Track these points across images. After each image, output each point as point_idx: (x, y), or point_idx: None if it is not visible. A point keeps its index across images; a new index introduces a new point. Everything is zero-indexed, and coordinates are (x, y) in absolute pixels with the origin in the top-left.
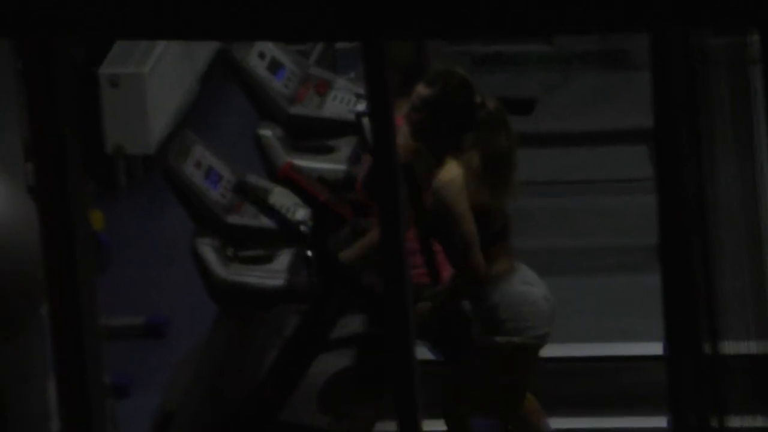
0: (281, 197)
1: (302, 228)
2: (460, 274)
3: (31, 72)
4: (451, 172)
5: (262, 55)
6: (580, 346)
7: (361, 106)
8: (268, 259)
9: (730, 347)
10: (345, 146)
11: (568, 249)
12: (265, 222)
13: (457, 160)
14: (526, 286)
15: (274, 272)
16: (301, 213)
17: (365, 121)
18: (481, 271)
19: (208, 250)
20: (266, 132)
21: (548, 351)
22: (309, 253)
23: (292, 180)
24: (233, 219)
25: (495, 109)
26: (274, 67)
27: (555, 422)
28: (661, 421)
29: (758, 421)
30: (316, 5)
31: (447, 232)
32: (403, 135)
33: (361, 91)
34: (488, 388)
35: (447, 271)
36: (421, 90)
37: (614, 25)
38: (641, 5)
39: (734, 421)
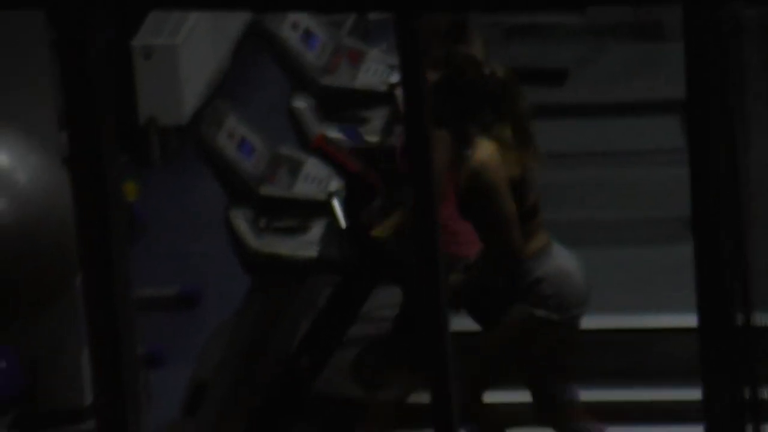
0: (314, 168)
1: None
2: (500, 252)
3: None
4: (486, 150)
5: (295, 26)
6: (613, 317)
7: (394, 78)
8: (302, 230)
9: (762, 319)
10: (377, 117)
11: (598, 221)
12: (299, 193)
13: (488, 137)
14: (565, 261)
15: (307, 243)
16: (334, 184)
17: (398, 92)
18: (521, 247)
19: (241, 221)
20: (299, 103)
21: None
22: (342, 223)
23: (324, 151)
24: (266, 190)
25: (506, 76)
26: (307, 37)
27: (587, 394)
28: (694, 393)
29: None
30: None
31: (486, 212)
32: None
33: (394, 62)
34: (518, 361)
35: (476, 245)
36: (428, 76)
37: None
38: None
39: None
